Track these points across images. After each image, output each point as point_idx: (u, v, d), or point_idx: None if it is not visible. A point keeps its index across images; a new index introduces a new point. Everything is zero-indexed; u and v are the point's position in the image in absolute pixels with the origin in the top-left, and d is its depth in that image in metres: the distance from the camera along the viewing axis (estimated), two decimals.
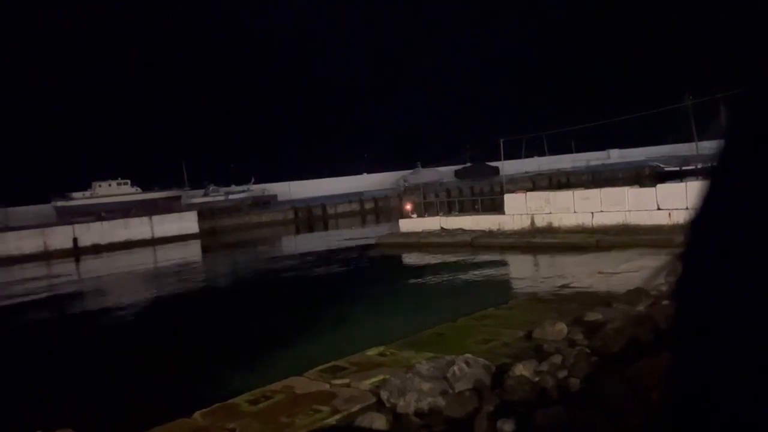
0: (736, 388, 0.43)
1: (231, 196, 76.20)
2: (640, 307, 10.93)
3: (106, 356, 17.66)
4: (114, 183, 75.31)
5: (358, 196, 72.86)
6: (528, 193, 32.19)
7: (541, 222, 28.89)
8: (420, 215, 35.33)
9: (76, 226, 52.70)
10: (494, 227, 30.21)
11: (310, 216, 66.95)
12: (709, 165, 0.52)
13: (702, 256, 0.50)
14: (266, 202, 75.50)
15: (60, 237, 50.98)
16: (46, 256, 48.23)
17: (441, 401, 7.56)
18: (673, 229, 23.41)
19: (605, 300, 12.40)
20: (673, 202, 25.09)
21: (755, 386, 0.42)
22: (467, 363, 8.16)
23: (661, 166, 64.65)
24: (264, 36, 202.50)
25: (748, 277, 0.44)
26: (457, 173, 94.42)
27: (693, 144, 61.94)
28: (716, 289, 0.47)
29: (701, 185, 0.52)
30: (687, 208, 24.18)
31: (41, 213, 65.18)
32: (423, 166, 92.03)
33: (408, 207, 37.69)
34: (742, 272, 0.45)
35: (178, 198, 75.23)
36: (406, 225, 34.34)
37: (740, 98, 0.51)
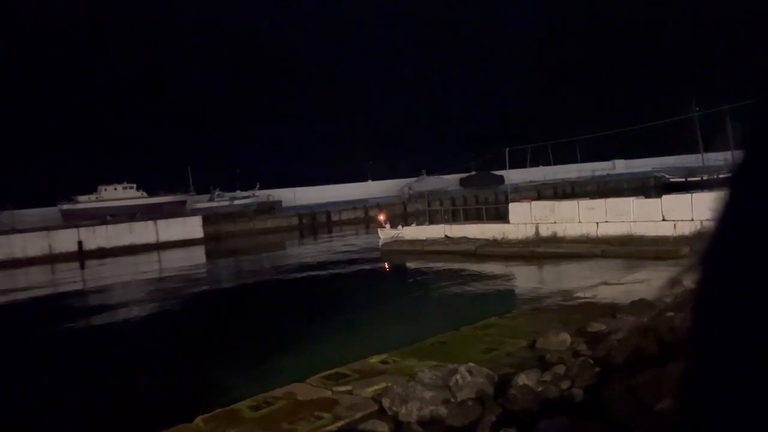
0: (749, 402, 0.43)
1: (236, 202, 76.32)
2: (644, 318, 10.88)
3: (107, 360, 17.67)
4: (120, 187, 75.53)
5: (363, 203, 72.90)
6: (533, 202, 32.15)
7: (545, 231, 28.84)
8: (393, 226, 35.64)
9: (82, 229, 52.85)
10: (499, 236, 30.16)
11: (315, 222, 66.97)
12: (729, 175, 0.51)
13: (721, 268, 0.49)
14: (271, 208, 75.55)
15: (65, 240, 51.14)
16: (51, 259, 48.39)
17: (443, 410, 7.53)
18: (678, 240, 23.33)
19: (609, 310, 12.35)
20: (679, 213, 25.02)
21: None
22: (470, 372, 8.13)
23: (667, 176, 64.44)
24: (271, 42, 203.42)
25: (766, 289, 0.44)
26: (462, 181, 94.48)
27: (699, 155, 61.78)
28: (735, 301, 0.46)
29: (720, 195, 0.52)
30: (692, 220, 24.11)
31: (47, 216, 65.39)
32: (428, 174, 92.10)
33: (381, 218, 37.92)
34: (762, 284, 0.44)
35: (184, 203, 75.39)
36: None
37: (760, 106, 0.51)
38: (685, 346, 0.50)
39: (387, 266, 31.72)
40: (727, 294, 0.48)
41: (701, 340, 0.49)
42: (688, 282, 0.52)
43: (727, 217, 0.51)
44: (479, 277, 24.90)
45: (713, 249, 0.51)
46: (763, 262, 0.45)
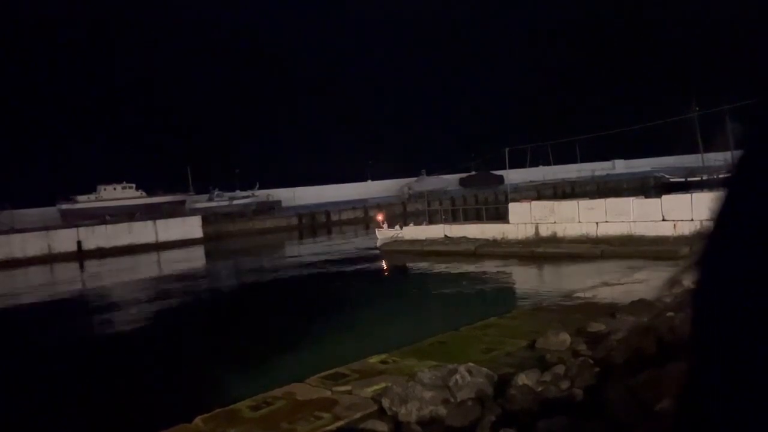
0: (750, 402, 0.43)
1: (235, 202, 76.24)
2: (644, 318, 10.88)
3: (107, 360, 17.67)
4: (119, 187, 75.46)
5: (363, 203, 72.88)
6: (532, 202, 32.16)
7: (545, 231, 28.84)
8: (391, 226, 35.72)
9: (81, 229, 52.85)
10: (498, 236, 30.16)
11: (314, 222, 66.97)
12: (727, 175, 0.51)
13: (719, 267, 0.49)
14: (270, 208, 75.52)
15: (64, 240, 51.13)
16: (50, 259, 48.37)
17: (443, 410, 7.53)
18: (678, 240, 23.33)
19: (609, 310, 12.36)
20: (678, 213, 25.02)
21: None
22: (469, 372, 8.13)
23: (667, 176, 64.46)
24: (271, 42, 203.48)
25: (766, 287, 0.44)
26: (461, 181, 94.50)
27: (699, 155, 61.77)
28: (733, 301, 0.46)
29: (718, 195, 0.52)
30: (692, 220, 24.11)
31: (46, 216, 65.34)
32: (428, 174, 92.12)
33: (379, 218, 37.99)
34: (761, 281, 0.44)
35: (183, 203, 75.33)
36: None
37: (758, 106, 0.51)
38: (685, 346, 0.50)
39: (386, 266, 31.72)
40: (725, 294, 0.48)
41: (700, 340, 0.50)
42: (688, 282, 0.52)
43: (724, 216, 0.51)
44: (479, 277, 24.91)
45: (711, 249, 0.52)
46: (761, 262, 0.45)
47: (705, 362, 0.49)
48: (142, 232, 54.32)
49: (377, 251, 34.78)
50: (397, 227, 36.09)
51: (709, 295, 0.50)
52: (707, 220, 0.52)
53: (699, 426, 0.48)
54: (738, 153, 0.51)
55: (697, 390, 0.49)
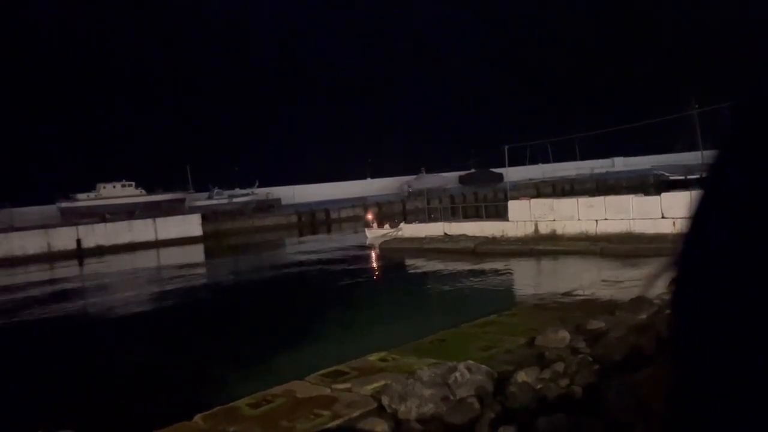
0: (736, 399, 0.43)
1: (235, 200, 76.31)
2: (643, 316, 10.90)
3: (107, 358, 17.66)
4: (118, 185, 75.52)
5: (362, 201, 72.85)
6: (532, 200, 32.15)
7: (544, 229, 28.85)
8: (381, 225, 35.81)
9: (80, 227, 52.80)
10: (498, 234, 30.17)
11: (314, 220, 66.96)
12: (703, 174, 0.52)
13: (697, 265, 0.50)
14: (270, 206, 75.56)
15: (63, 238, 51.09)
16: (50, 257, 48.33)
17: (442, 407, 7.54)
18: (678, 237, 23.33)
19: (608, 308, 12.37)
20: (678, 211, 25.00)
21: (754, 395, 0.42)
22: (469, 369, 8.14)
23: (666, 174, 64.47)
24: (270, 41, 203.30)
25: (745, 285, 0.44)
26: (461, 179, 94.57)
27: (698, 153, 61.78)
28: (713, 297, 0.46)
29: (696, 193, 0.52)
30: None
31: (46, 214, 65.32)
32: (427, 172, 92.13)
33: (369, 216, 38.05)
34: (739, 279, 0.44)
35: (182, 200, 75.40)
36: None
37: (736, 107, 0.51)
38: (668, 344, 0.51)
39: (386, 264, 31.72)
40: (702, 293, 0.48)
41: (679, 339, 0.50)
42: (666, 278, 0.53)
43: (701, 216, 0.51)
44: (478, 274, 24.90)
45: (687, 249, 0.52)
46: (736, 261, 0.45)
47: (684, 361, 0.49)
48: (142, 230, 54.27)
49: (378, 249, 34.78)
50: (387, 226, 36.13)
51: (686, 295, 0.50)
52: (684, 218, 0.52)
53: (686, 425, 0.48)
54: (712, 153, 0.52)
55: (680, 389, 0.49)
